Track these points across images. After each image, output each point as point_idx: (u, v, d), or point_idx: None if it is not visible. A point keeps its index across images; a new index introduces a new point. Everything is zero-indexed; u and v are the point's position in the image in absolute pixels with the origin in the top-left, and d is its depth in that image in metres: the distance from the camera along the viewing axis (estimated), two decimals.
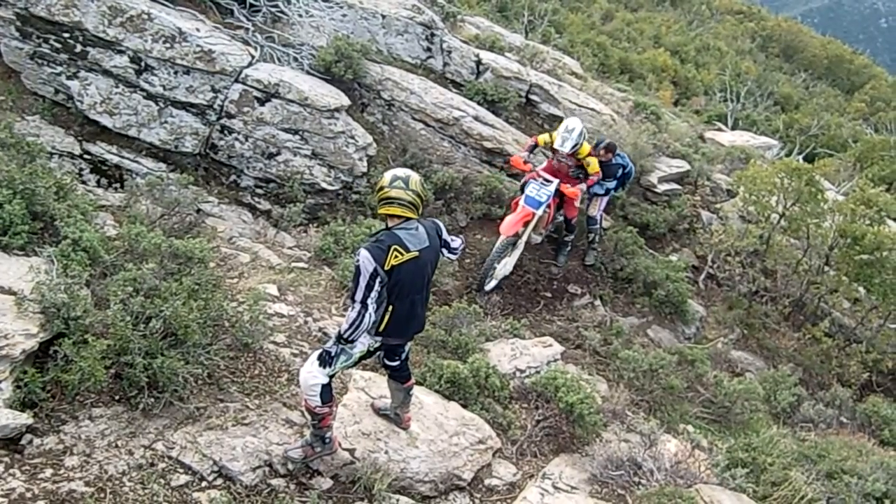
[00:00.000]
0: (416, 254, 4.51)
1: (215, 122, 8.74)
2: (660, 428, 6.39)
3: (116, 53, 8.46)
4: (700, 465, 6.11)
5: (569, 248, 9.62)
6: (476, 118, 10.30)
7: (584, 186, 9.02)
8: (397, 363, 5.05)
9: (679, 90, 24.42)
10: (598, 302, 9.29)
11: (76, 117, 8.50)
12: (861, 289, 10.65)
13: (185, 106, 8.64)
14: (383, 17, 10.80)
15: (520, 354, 7.20)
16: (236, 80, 8.74)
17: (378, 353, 4.93)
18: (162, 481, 4.45)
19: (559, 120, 11.29)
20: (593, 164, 8.99)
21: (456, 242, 4.99)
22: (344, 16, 10.63)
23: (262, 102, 8.77)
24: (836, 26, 78.10)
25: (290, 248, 8.22)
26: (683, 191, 11.80)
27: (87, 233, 5.62)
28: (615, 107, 12.99)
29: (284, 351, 5.93)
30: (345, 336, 4.47)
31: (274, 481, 4.74)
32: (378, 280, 4.35)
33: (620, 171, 9.63)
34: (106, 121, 8.46)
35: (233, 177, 8.93)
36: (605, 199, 9.77)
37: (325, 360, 4.57)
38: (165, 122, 8.59)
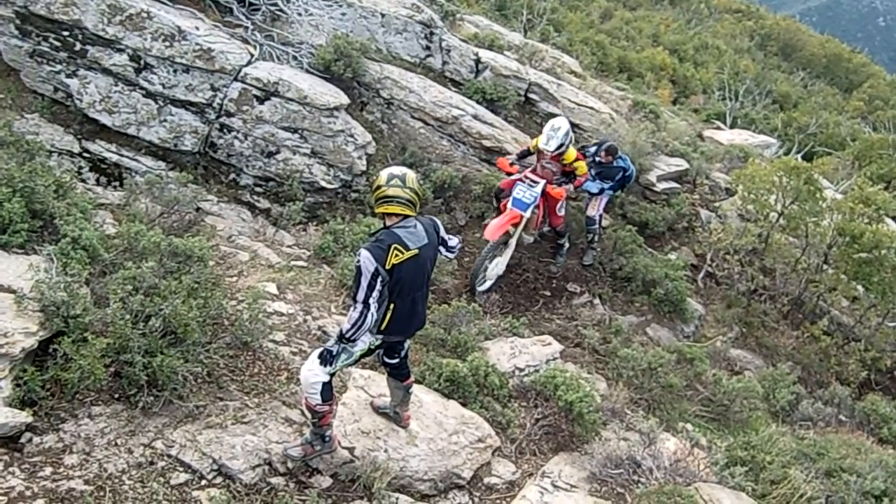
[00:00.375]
0: (416, 251, 4.52)
1: (214, 120, 8.74)
2: (659, 426, 6.40)
3: (116, 52, 8.45)
4: (699, 463, 6.11)
5: (565, 249, 9.59)
6: (475, 117, 10.30)
7: (570, 187, 8.90)
8: (396, 361, 5.06)
9: (678, 89, 24.44)
10: (597, 300, 9.30)
11: (75, 115, 8.50)
12: (860, 287, 10.65)
13: (185, 104, 8.64)
14: (382, 15, 10.79)
15: (519, 353, 7.20)
16: (235, 79, 8.74)
17: (378, 351, 4.94)
18: (161, 480, 4.45)
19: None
20: (581, 168, 8.88)
21: (453, 241, 5.01)
22: (343, 14, 10.62)
23: (261, 101, 8.76)
24: (835, 25, 78.23)
25: (289, 246, 8.21)
26: (682, 189, 11.79)
27: (86, 231, 5.62)
28: (614, 105, 12.98)
29: (284, 349, 5.93)
30: (347, 336, 4.48)
31: (273, 480, 4.75)
32: (380, 279, 4.37)
33: (621, 174, 9.62)
34: (105, 119, 8.45)
35: (232, 175, 8.93)
36: (605, 199, 9.75)
37: (327, 358, 4.57)
38: (165, 120, 8.58)
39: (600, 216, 9.78)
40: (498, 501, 5.43)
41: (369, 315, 4.39)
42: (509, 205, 8.55)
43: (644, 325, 9.31)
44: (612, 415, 6.80)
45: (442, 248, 4.92)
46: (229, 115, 8.73)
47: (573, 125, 11.39)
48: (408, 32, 10.93)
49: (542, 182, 8.64)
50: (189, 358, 5.06)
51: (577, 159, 8.84)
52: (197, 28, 8.80)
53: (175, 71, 8.56)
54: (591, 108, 11.86)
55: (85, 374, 4.58)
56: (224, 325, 5.68)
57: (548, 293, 9.21)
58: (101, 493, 4.24)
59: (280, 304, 6.60)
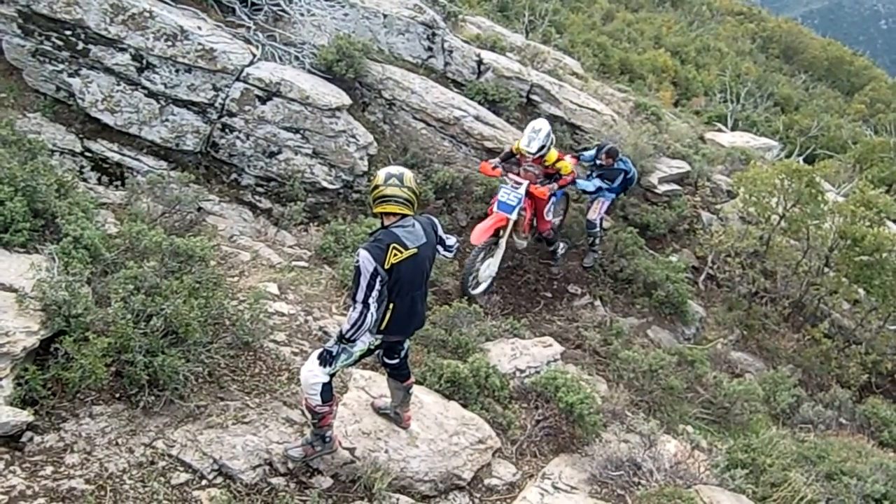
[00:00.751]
0: (415, 251, 4.52)
1: (216, 120, 8.74)
2: (659, 428, 6.39)
3: (118, 51, 8.46)
4: (700, 465, 6.11)
5: (559, 255, 9.51)
6: (477, 118, 10.30)
7: (554, 186, 8.70)
8: (396, 361, 5.06)
9: (679, 91, 24.42)
10: (598, 302, 9.30)
11: (77, 115, 8.50)
12: (861, 290, 10.66)
13: (187, 104, 8.65)
14: (385, 16, 10.80)
15: (520, 354, 7.20)
16: (237, 79, 8.74)
17: (377, 351, 4.94)
18: (162, 479, 4.45)
19: (559, 120, 11.32)
20: (565, 167, 8.71)
21: (451, 240, 5.01)
22: (345, 15, 10.63)
23: (263, 101, 8.77)
24: (837, 28, 78.21)
25: (290, 246, 8.22)
26: (684, 191, 11.79)
27: (88, 230, 5.62)
28: (616, 107, 12.99)
29: (285, 350, 5.93)
30: (346, 336, 4.48)
31: (274, 480, 4.75)
32: (379, 279, 4.37)
33: (622, 177, 9.61)
34: (107, 119, 8.46)
35: (234, 175, 8.93)
36: (606, 203, 9.74)
37: (326, 359, 4.58)
38: (167, 120, 8.59)
39: (601, 219, 9.78)
40: (498, 503, 5.43)
41: (369, 315, 4.39)
42: (494, 208, 8.46)
43: (645, 326, 9.31)
44: (613, 416, 6.80)
45: (440, 248, 4.92)
46: (231, 115, 8.73)
47: (575, 127, 11.44)
48: (410, 33, 10.93)
49: (525, 183, 8.51)
50: (190, 358, 5.06)
51: (558, 160, 8.69)
52: (199, 28, 8.81)
53: (177, 71, 8.57)
54: (593, 109, 11.87)
55: (86, 373, 4.58)
56: (225, 325, 5.68)
57: (549, 295, 9.21)
58: (102, 493, 4.24)
59: (281, 304, 6.60)
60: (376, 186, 4.53)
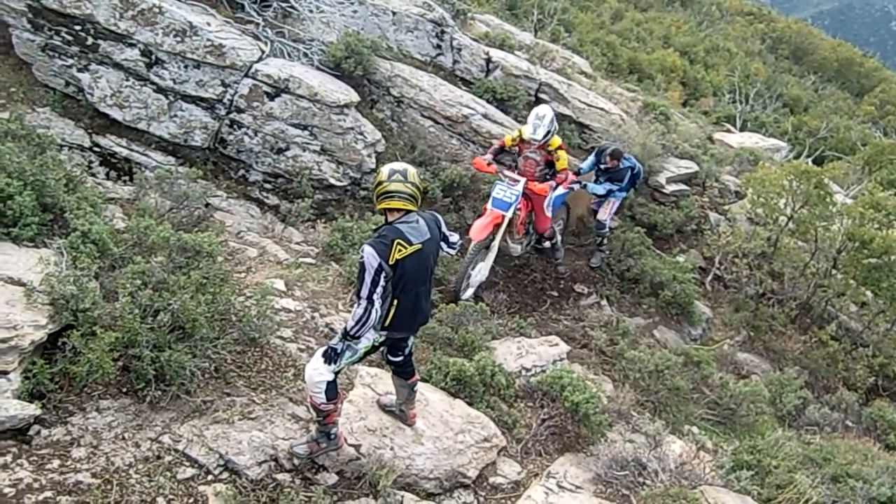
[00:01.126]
0: (419, 246, 4.52)
1: (225, 116, 8.76)
2: (665, 429, 6.37)
3: (127, 46, 8.48)
4: (705, 466, 6.10)
5: (559, 251, 9.42)
6: (485, 116, 10.29)
7: (553, 184, 8.56)
8: (401, 359, 5.06)
9: (688, 91, 24.38)
10: (604, 302, 9.28)
11: (86, 110, 8.53)
12: (868, 293, 10.62)
13: (195, 100, 8.66)
14: (394, 13, 10.80)
15: (526, 353, 7.20)
16: (246, 75, 8.76)
17: (382, 348, 4.94)
18: (168, 474, 4.47)
19: (567, 119, 11.31)
20: (563, 159, 8.53)
21: (454, 237, 5.01)
22: (354, 12, 10.63)
23: (271, 97, 8.78)
24: (847, 29, 77.91)
25: (297, 243, 8.23)
26: (691, 192, 11.76)
27: (96, 225, 5.64)
28: (624, 107, 12.96)
29: (291, 346, 5.94)
30: (351, 333, 4.48)
31: (279, 476, 4.76)
32: (383, 275, 4.37)
33: (629, 174, 9.59)
34: (116, 114, 8.49)
35: (241, 171, 8.95)
36: (617, 203, 9.73)
37: (331, 356, 4.58)
38: (175, 115, 8.61)
39: (610, 219, 9.77)
40: (503, 501, 5.43)
41: (373, 311, 4.39)
42: (489, 205, 8.28)
43: (651, 327, 9.29)
44: (619, 416, 6.79)
45: (443, 244, 4.92)
46: (239, 111, 8.75)
47: (583, 126, 11.42)
48: (419, 31, 10.93)
49: (522, 181, 8.35)
50: (197, 353, 5.07)
51: (559, 147, 8.51)
52: (208, 24, 8.83)
53: (186, 66, 8.59)
54: (602, 108, 11.84)
55: (93, 367, 4.59)
56: (232, 320, 5.69)
57: (555, 294, 9.20)
58: (108, 487, 4.25)
59: (288, 300, 6.61)
60: (380, 182, 4.53)
